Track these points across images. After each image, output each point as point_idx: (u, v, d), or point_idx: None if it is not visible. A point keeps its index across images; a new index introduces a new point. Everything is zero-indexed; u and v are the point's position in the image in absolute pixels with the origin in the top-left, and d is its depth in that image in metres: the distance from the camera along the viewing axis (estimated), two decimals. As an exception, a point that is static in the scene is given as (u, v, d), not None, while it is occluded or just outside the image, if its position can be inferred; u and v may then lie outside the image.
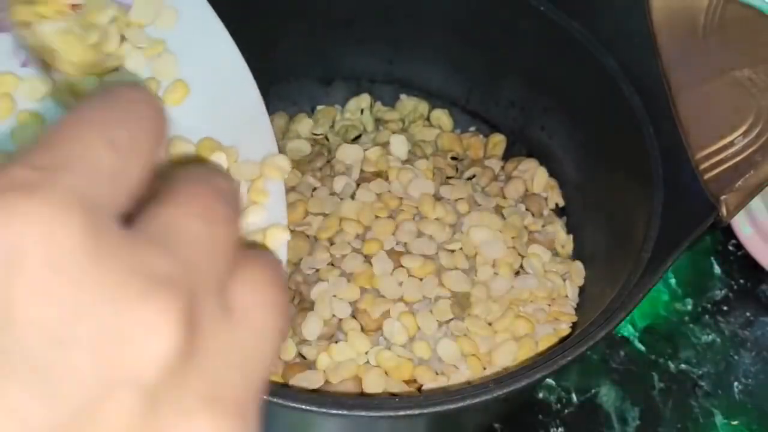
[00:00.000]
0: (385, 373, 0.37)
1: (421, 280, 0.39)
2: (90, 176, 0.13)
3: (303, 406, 0.29)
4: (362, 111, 0.50)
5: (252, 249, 0.16)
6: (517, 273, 0.41)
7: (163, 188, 0.15)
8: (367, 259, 0.39)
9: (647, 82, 0.38)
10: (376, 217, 0.41)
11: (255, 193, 0.31)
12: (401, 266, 0.39)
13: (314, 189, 0.43)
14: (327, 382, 0.37)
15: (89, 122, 0.14)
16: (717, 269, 0.52)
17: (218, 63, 0.34)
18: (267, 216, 0.31)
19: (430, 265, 0.39)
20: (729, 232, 0.52)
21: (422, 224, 0.41)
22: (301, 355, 0.37)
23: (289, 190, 0.42)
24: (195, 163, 0.17)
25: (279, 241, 0.31)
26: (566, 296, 0.41)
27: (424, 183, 0.42)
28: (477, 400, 0.29)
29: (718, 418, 0.45)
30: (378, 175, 0.43)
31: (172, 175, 0.15)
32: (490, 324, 0.39)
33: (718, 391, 0.46)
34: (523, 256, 0.41)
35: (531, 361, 0.36)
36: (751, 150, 0.34)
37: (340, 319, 0.38)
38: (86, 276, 0.12)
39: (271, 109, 0.49)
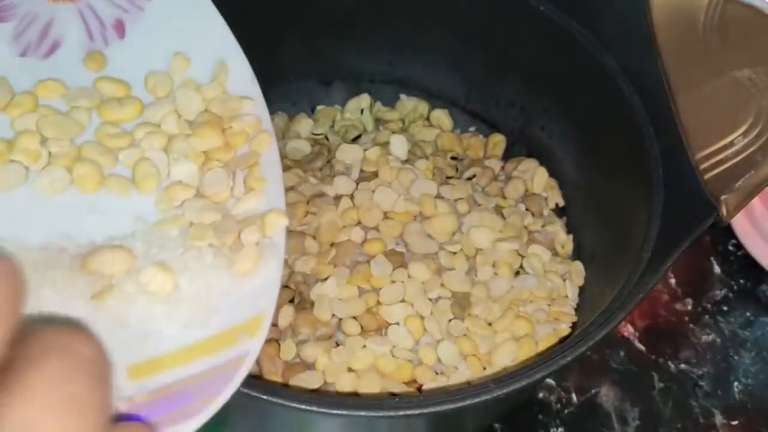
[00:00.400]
0: (383, 374, 0.37)
1: (423, 283, 0.39)
2: None
3: (303, 406, 0.29)
4: (362, 111, 0.50)
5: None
6: (517, 273, 0.41)
7: (19, 362, 0.14)
8: (368, 259, 0.39)
9: (647, 82, 0.38)
10: (385, 217, 0.41)
11: (253, 180, 0.31)
12: (401, 266, 0.39)
13: (314, 189, 0.43)
14: (326, 382, 0.37)
15: None
16: (717, 269, 0.52)
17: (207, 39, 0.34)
18: (265, 202, 0.31)
19: (430, 265, 0.39)
20: (729, 232, 0.52)
21: (426, 224, 0.41)
22: (300, 355, 0.37)
23: (289, 190, 0.42)
24: (55, 327, 0.16)
25: (277, 227, 0.31)
26: (566, 296, 0.41)
27: (425, 183, 0.42)
28: (477, 400, 0.29)
29: (718, 418, 0.45)
30: (378, 175, 0.43)
31: (29, 343, 0.14)
32: (490, 324, 0.39)
33: (718, 391, 0.46)
34: (523, 256, 0.41)
35: (531, 361, 0.36)
36: (751, 150, 0.34)
37: (340, 319, 0.38)
38: None
39: (271, 109, 0.49)
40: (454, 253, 0.40)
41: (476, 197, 0.43)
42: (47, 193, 0.29)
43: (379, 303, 0.38)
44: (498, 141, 0.49)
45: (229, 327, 0.28)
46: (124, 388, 0.26)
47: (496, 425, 0.44)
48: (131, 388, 0.26)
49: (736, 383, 0.47)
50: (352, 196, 0.42)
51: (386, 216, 0.41)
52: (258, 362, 0.37)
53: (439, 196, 0.42)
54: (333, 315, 0.38)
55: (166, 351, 0.27)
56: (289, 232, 0.41)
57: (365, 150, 0.44)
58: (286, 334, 0.38)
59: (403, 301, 0.38)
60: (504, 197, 0.45)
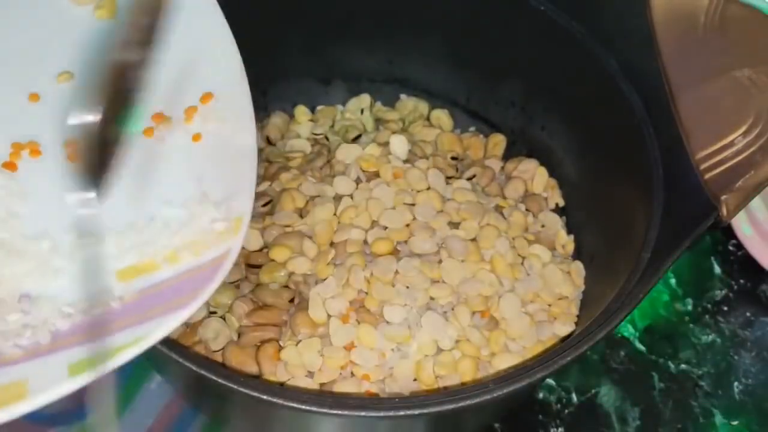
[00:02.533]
0: (383, 375, 0.37)
1: (423, 283, 0.39)
2: None
3: (303, 406, 0.29)
4: (362, 111, 0.50)
5: None
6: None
7: None
8: (367, 259, 0.39)
9: (647, 82, 0.38)
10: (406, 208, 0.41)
11: None
12: (400, 267, 0.39)
13: (314, 188, 0.43)
14: (325, 382, 0.37)
15: None
16: (717, 269, 0.52)
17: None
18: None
19: (431, 266, 0.39)
20: (729, 232, 0.52)
21: (432, 223, 0.41)
22: (299, 355, 0.37)
23: (289, 190, 0.42)
24: None
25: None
26: (566, 296, 0.41)
27: (435, 175, 0.42)
28: (477, 400, 0.29)
29: (718, 418, 0.45)
30: (378, 175, 0.43)
31: None
32: (490, 331, 0.39)
33: (718, 391, 0.46)
34: (523, 257, 0.41)
35: (531, 361, 0.36)
36: (751, 150, 0.34)
37: (339, 319, 0.38)
38: None
39: (271, 108, 0.50)
40: (454, 253, 0.40)
41: (476, 197, 0.43)
42: None
43: (378, 303, 0.38)
44: (498, 141, 0.49)
45: (211, 230, 0.31)
46: (114, 290, 0.29)
47: (496, 425, 0.44)
48: (120, 289, 0.29)
49: (736, 383, 0.47)
50: (351, 196, 0.42)
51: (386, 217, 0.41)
52: (258, 362, 0.37)
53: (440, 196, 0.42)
54: (330, 315, 0.38)
55: (152, 254, 0.30)
56: (289, 232, 0.41)
57: (365, 149, 0.44)
58: (285, 334, 0.38)
59: (403, 303, 0.38)
60: (504, 197, 0.45)
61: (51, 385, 0.25)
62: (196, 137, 0.35)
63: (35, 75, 0.35)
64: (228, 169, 0.33)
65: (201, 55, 0.36)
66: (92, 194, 0.25)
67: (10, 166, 0.33)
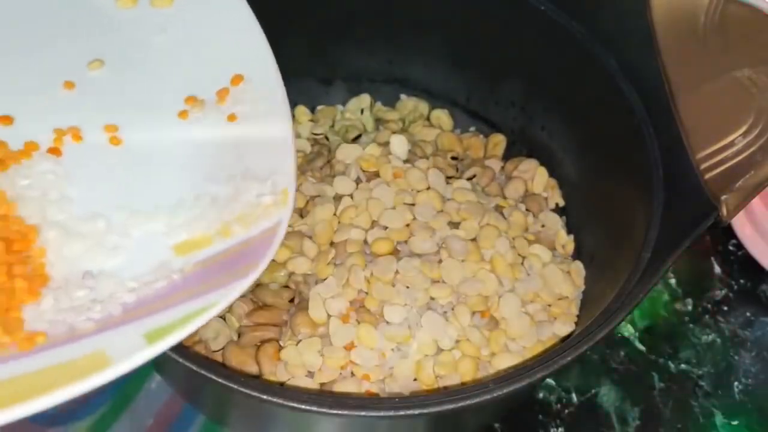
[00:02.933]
0: (383, 375, 0.37)
1: (423, 283, 0.39)
2: None
3: (303, 406, 0.29)
4: (362, 111, 0.50)
5: None
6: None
7: None
8: (367, 259, 0.39)
9: (647, 82, 0.38)
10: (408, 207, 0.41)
11: None
12: (400, 267, 0.39)
13: (314, 188, 0.43)
14: (325, 382, 0.37)
15: None
16: (717, 269, 0.52)
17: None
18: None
19: (431, 266, 0.39)
20: (729, 232, 0.52)
21: (432, 223, 0.41)
22: (299, 355, 0.37)
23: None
24: None
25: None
26: (566, 296, 0.41)
27: (435, 175, 0.42)
28: (477, 400, 0.29)
29: (718, 418, 0.45)
30: (378, 174, 0.43)
31: None
32: (490, 330, 0.39)
33: (718, 391, 0.46)
34: (523, 257, 0.41)
35: (531, 361, 0.36)
36: (751, 150, 0.34)
37: (338, 320, 0.38)
38: None
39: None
40: (454, 253, 0.40)
41: (476, 197, 0.43)
42: None
43: (378, 303, 0.38)
44: (498, 141, 0.49)
45: (258, 203, 0.32)
46: (173, 263, 0.31)
47: (496, 425, 0.44)
48: (179, 263, 0.31)
49: (736, 383, 0.47)
50: (351, 196, 0.42)
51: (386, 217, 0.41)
52: (258, 362, 0.37)
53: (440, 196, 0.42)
54: (330, 315, 0.38)
55: (204, 229, 0.32)
56: (289, 232, 0.41)
57: (365, 149, 0.44)
58: (285, 334, 0.38)
59: (403, 303, 0.38)
60: (504, 197, 0.45)
61: (130, 353, 0.26)
62: (231, 117, 0.36)
63: (67, 64, 0.36)
64: (267, 146, 0.35)
65: (226, 38, 0.37)
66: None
67: (55, 151, 0.34)
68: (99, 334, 0.28)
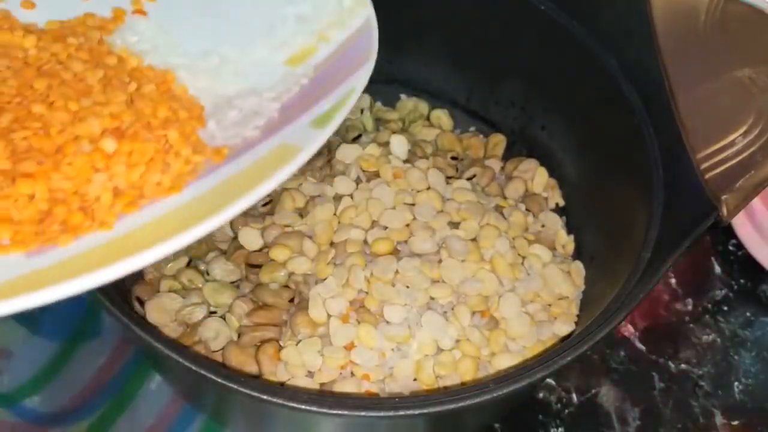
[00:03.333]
0: (383, 375, 0.37)
1: (428, 285, 0.39)
2: None
3: (303, 406, 0.29)
4: (362, 111, 0.50)
5: None
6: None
7: None
8: (367, 259, 0.39)
9: (647, 82, 0.38)
10: (408, 207, 0.41)
11: None
12: (400, 267, 0.39)
13: (314, 188, 0.43)
14: (325, 382, 0.37)
15: None
16: (717, 269, 0.52)
17: None
18: None
19: (431, 266, 0.39)
20: (729, 232, 0.52)
21: (432, 223, 0.41)
22: (299, 355, 0.37)
23: (288, 190, 0.42)
24: None
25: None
26: (566, 296, 0.41)
27: (435, 175, 0.42)
28: (477, 400, 0.29)
29: (718, 418, 0.45)
30: (378, 174, 0.43)
31: None
32: (490, 330, 0.39)
33: (718, 391, 0.46)
34: (523, 257, 0.41)
35: (531, 361, 0.36)
36: (751, 150, 0.34)
37: (338, 319, 0.38)
38: None
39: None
40: (454, 253, 0.40)
41: (476, 197, 0.43)
42: None
43: (378, 303, 0.38)
44: (498, 141, 0.49)
45: (342, 8, 0.37)
46: (294, 73, 0.35)
47: (496, 425, 0.44)
48: (300, 71, 0.35)
49: (736, 383, 0.47)
50: (351, 196, 0.42)
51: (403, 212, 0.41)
52: (258, 362, 0.37)
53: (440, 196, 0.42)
54: (330, 315, 0.38)
55: (304, 42, 0.36)
56: (289, 232, 0.41)
57: (365, 149, 0.44)
58: (285, 334, 0.38)
59: (403, 303, 0.38)
60: (504, 197, 0.45)
61: (308, 138, 0.30)
62: None
63: None
64: None
65: None
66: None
67: (140, 12, 0.36)
68: (271, 135, 0.32)
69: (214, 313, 0.40)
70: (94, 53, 0.33)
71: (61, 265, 0.25)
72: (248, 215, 0.42)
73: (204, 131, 0.33)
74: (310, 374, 0.37)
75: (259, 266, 0.40)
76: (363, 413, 0.29)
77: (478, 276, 0.39)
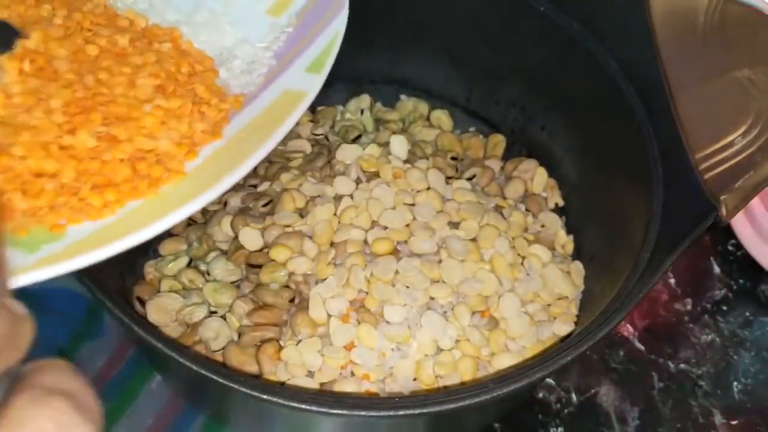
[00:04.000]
0: (383, 375, 0.37)
1: (428, 285, 0.39)
2: None
3: (303, 406, 0.29)
4: (362, 111, 0.50)
5: None
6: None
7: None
8: (367, 259, 0.39)
9: (647, 82, 0.38)
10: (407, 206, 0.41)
11: None
12: (400, 267, 0.39)
13: (314, 189, 0.43)
14: (325, 382, 0.37)
15: None
16: (717, 269, 0.52)
17: None
18: None
19: (431, 266, 0.39)
20: (729, 232, 0.52)
21: (432, 223, 0.41)
22: (299, 355, 0.37)
23: (289, 190, 0.42)
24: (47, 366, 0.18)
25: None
26: (566, 296, 0.41)
27: (435, 175, 0.42)
28: (477, 400, 0.29)
29: (718, 418, 0.45)
30: (378, 175, 0.43)
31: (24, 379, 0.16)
32: (490, 330, 0.39)
33: (717, 391, 0.46)
34: (523, 257, 0.41)
35: (531, 361, 0.36)
36: (751, 150, 0.34)
37: (338, 319, 0.38)
38: None
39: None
40: (454, 253, 0.40)
41: (476, 197, 0.43)
42: None
43: (378, 303, 0.38)
44: (498, 141, 0.49)
45: None
46: (278, 23, 0.38)
47: (496, 425, 0.44)
48: (283, 20, 0.38)
49: (735, 383, 0.47)
50: (351, 196, 0.42)
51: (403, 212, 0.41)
52: (258, 362, 0.37)
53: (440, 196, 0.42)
54: (331, 315, 0.38)
55: None
56: (290, 233, 0.41)
57: (365, 150, 0.44)
58: (285, 334, 0.38)
59: (403, 303, 0.38)
60: (504, 197, 0.45)
61: (310, 81, 0.34)
62: None
63: None
64: None
65: None
66: None
67: None
68: (273, 83, 0.35)
69: (215, 313, 0.40)
70: (109, 17, 0.35)
71: (141, 209, 0.29)
72: (248, 215, 0.42)
73: (220, 81, 0.35)
74: (311, 374, 0.37)
75: (259, 266, 0.40)
76: (363, 413, 0.29)
77: (478, 276, 0.39)
